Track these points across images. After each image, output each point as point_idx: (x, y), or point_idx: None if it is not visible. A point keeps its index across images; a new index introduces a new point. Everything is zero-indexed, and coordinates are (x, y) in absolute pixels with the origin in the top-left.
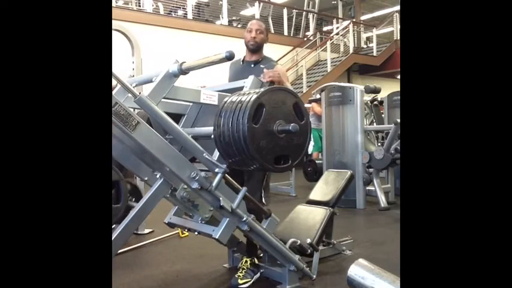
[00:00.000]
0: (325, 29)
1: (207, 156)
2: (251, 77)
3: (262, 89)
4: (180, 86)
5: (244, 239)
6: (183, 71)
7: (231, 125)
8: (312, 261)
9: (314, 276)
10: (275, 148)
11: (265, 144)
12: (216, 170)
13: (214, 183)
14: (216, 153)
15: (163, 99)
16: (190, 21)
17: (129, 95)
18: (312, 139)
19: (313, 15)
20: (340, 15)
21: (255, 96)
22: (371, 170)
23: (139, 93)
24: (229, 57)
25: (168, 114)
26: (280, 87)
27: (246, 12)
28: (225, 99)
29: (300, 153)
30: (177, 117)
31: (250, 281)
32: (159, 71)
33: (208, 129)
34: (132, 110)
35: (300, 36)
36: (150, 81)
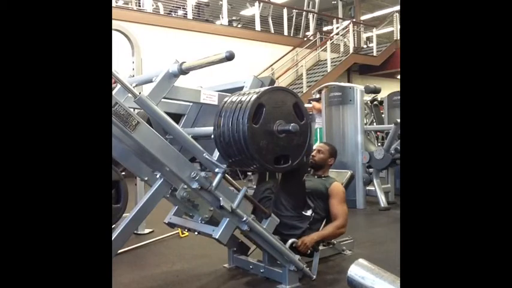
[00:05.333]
0: (325, 29)
1: (207, 156)
2: (251, 77)
3: (262, 89)
4: (180, 86)
5: (245, 239)
6: (183, 71)
7: (231, 125)
8: (312, 261)
9: (314, 276)
10: (275, 148)
11: (265, 144)
12: (216, 170)
13: (214, 183)
14: (216, 153)
15: (163, 99)
16: (190, 21)
17: (129, 95)
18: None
19: (313, 15)
20: (340, 15)
21: (255, 96)
22: (371, 170)
23: (139, 93)
24: (229, 57)
25: (168, 114)
26: (280, 87)
27: (246, 12)
28: (225, 99)
29: (300, 153)
30: (177, 117)
31: None
32: (159, 71)
33: (208, 129)
34: (132, 110)
35: (300, 36)
36: (150, 81)
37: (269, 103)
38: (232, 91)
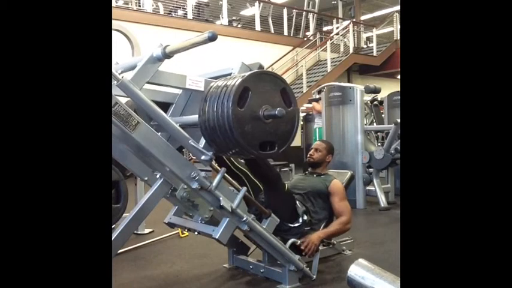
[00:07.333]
0: (325, 29)
1: (192, 143)
2: (239, 63)
3: (248, 73)
4: (165, 71)
5: (245, 239)
6: (167, 55)
7: (215, 109)
8: (312, 261)
9: (314, 276)
10: (261, 134)
11: (251, 129)
12: (202, 157)
13: (214, 183)
14: (203, 141)
15: (151, 88)
16: (190, 21)
17: (115, 82)
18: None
19: (313, 15)
20: (340, 15)
21: (240, 79)
22: (371, 170)
23: (122, 77)
24: (212, 37)
25: (156, 102)
26: (267, 71)
27: (246, 12)
28: (211, 85)
29: (287, 140)
30: (165, 106)
31: None
32: (144, 56)
33: (195, 117)
34: (129, 109)
35: (300, 36)
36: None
37: (255, 87)
38: (220, 78)
